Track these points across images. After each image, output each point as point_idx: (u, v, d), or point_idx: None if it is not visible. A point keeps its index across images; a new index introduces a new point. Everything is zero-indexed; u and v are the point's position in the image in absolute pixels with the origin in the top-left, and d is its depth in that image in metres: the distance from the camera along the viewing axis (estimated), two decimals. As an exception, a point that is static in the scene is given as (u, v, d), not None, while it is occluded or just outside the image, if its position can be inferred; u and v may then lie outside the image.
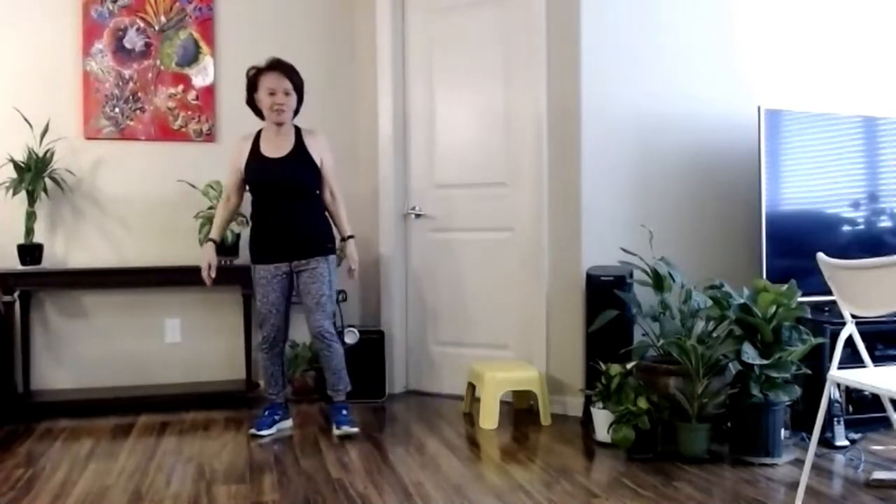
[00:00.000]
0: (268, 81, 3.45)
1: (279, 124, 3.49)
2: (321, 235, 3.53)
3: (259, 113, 3.56)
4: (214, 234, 3.56)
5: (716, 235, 3.98)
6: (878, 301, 2.37)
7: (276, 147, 3.49)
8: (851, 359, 3.05)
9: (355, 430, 3.49)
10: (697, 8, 3.96)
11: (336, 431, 3.49)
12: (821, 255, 2.55)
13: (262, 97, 3.47)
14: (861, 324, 3.49)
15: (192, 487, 2.85)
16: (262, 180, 3.46)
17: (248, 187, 3.55)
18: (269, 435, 3.52)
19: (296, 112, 3.55)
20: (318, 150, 3.54)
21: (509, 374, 3.70)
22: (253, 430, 3.53)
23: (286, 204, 3.46)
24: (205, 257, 3.51)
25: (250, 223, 3.56)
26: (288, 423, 3.67)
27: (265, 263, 3.50)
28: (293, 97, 3.48)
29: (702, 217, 3.95)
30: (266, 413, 3.59)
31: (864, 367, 2.66)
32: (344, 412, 3.55)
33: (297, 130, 3.55)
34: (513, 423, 3.77)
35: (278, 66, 3.46)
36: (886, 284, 2.30)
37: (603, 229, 3.78)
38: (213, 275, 3.51)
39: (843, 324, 3.48)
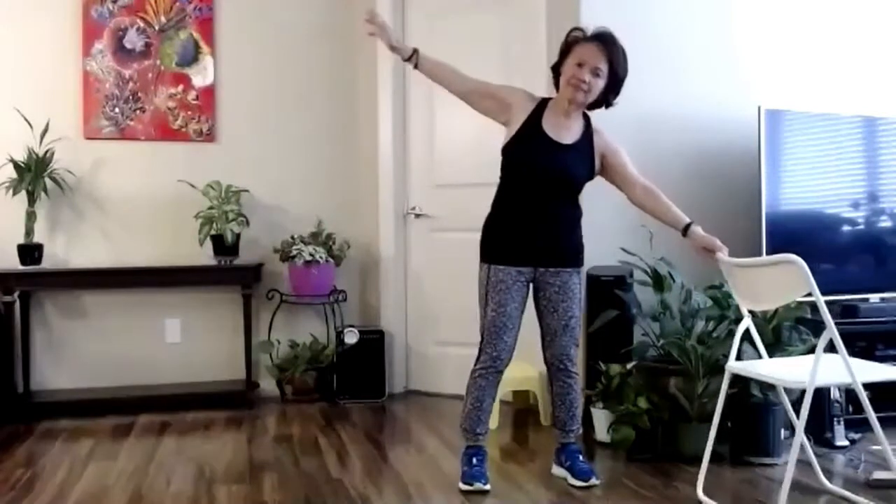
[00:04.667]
0: (582, 51, 2.76)
1: (570, 103, 2.79)
2: (578, 244, 2.90)
3: (558, 83, 2.88)
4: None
5: (715, 235, 3.96)
6: (766, 297, 2.54)
7: (561, 130, 2.81)
8: (851, 355, 3.05)
9: (599, 481, 2.86)
10: (697, 8, 3.95)
11: (580, 483, 2.83)
12: (720, 256, 2.68)
13: (568, 65, 2.77)
14: (862, 324, 3.51)
15: (192, 487, 2.85)
16: (535, 167, 2.78)
17: (505, 170, 2.86)
18: (486, 489, 2.79)
19: (597, 105, 2.86)
20: (603, 148, 2.88)
21: (509, 373, 3.67)
22: (466, 486, 2.79)
23: (551, 200, 2.81)
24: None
25: (493, 212, 2.91)
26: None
27: (507, 264, 2.83)
28: (601, 82, 2.76)
29: (702, 217, 3.91)
30: (475, 461, 2.86)
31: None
32: (582, 458, 2.93)
33: (587, 120, 2.90)
34: (513, 423, 3.77)
35: (602, 40, 2.77)
36: (772, 281, 2.46)
37: (603, 229, 3.77)
38: (377, 21, 2.84)
39: (843, 323, 3.50)
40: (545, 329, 2.88)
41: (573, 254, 2.88)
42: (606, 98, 2.83)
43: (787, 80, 4.10)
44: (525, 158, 2.79)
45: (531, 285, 2.88)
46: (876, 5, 4.31)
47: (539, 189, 2.79)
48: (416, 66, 2.92)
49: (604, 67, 2.75)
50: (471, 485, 2.77)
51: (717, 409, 2.72)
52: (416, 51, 2.90)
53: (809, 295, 3.28)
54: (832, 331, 2.36)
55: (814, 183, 3.73)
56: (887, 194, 3.81)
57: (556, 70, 2.85)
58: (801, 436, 2.40)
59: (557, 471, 2.97)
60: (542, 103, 2.85)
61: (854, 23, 4.26)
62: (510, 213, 2.84)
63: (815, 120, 3.70)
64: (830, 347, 3.34)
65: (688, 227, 2.86)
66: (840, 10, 4.22)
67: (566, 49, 2.82)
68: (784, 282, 2.40)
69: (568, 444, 2.94)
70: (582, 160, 2.83)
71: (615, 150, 2.90)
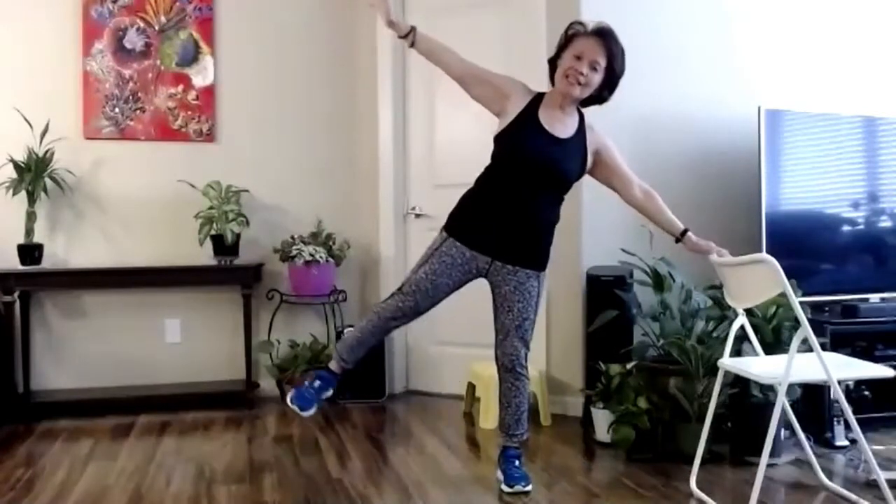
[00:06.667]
0: (581, 45, 2.71)
1: (565, 97, 2.74)
2: (546, 249, 2.84)
3: (554, 77, 2.81)
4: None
5: (716, 235, 3.94)
6: (749, 295, 2.60)
7: (556, 123, 2.76)
8: (851, 354, 3.05)
9: (529, 488, 2.79)
10: (697, 8, 3.95)
11: (507, 489, 2.77)
12: (711, 257, 2.76)
13: (565, 58, 2.73)
14: (862, 324, 3.51)
15: (192, 487, 2.85)
16: (527, 155, 2.72)
17: (495, 157, 2.80)
18: (311, 415, 2.85)
19: (592, 101, 2.82)
20: (596, 144, 2.84)
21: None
22: (294, 406, 2.83)
23: (536, 197, 2.75)
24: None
25: (473, 190, 2.84)
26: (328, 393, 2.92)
27: (465, 244, 2.75)
28: (598, 76, 2.71)
29: (701, 217, 3.93)
30: (318, 384, 2.88)
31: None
32: (517, 464, 2.84)
33: (581, 116, 2.85)
34: (513, 423, 3.76)
35: (602, 35, 2.72)
36: (751, 280, 2.53)
37: (603, 229, 3.77)
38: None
39: (843, 323, 3.51)
40: (498, 327, 2.83)
41: (538, 257, 2.81)
42: (601, 94, 2.78)
43: (787, 80, 4.10)
44: (519, 146, 2.73)
45: (483, 279, 2.82)
46: (876, 5, 4.31)
47: (527, 180, 2.73)
48: (412, 45, 2.82)
49: (602, 62, 2.70)
50: (302, 406, 2.80)
51: (710, 405, 2.76)
52: (413, 28, 2.81)
53: (807, 294, 3.30)
54: (806, 329, 2.40)
55: (814, 183, 3.73)
56: (887, 194, 3.81)
57: (553, 63, 2.80)
58: (773, 432, 2.44)
59: (497, 474, 2.88)
60: (539, 97, 2.81)
61: (854, 23, 4.26)
62: (490, 196, 2.77)
63: (815, 120, 3.70)
64: (834, 346, 3.37)
65: (683, 233, 2.91)
66: (840, 10, 4.23)
67: (565, 42, 2.78)
68: (760, 280, 2.46)
69: (508, 447, 2.87)
70: (575, 155, 2.79)
71: (608, 147, 2.87)
